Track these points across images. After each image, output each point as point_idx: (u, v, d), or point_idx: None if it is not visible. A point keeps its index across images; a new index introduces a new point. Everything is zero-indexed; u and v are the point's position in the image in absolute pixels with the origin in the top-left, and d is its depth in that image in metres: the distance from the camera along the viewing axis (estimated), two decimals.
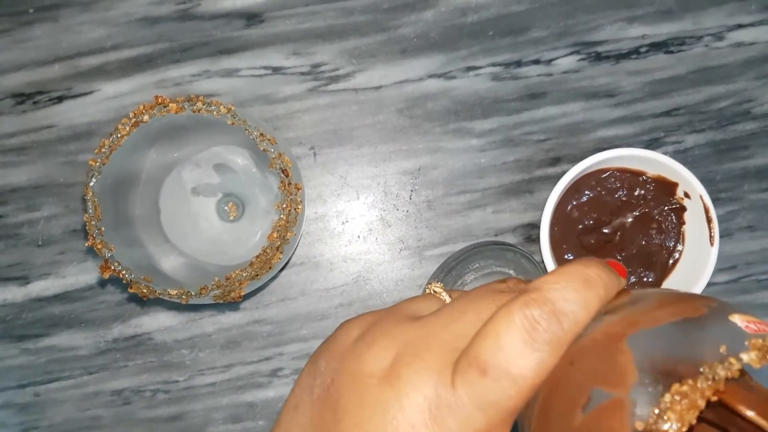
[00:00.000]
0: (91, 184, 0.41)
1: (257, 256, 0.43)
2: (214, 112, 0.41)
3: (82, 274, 0.54)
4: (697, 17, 0.54)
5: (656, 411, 0.17)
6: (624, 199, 0.51)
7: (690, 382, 0.17)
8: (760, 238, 0.54)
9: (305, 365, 0.25)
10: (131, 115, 0.41)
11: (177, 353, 0.54)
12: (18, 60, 0.54)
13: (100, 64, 0.54)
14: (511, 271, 0.49)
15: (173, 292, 0.42)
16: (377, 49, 0.54)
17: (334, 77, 0.54)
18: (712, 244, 0.48)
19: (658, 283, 0.51)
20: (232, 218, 0.50)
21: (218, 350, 0.54)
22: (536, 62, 0.54)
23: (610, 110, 0.54)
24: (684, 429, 0.17)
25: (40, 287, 0.54)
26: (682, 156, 0.54)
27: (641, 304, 0.21)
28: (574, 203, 0.51)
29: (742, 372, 0.18)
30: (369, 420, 0.21)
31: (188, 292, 0.42)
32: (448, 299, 0.27)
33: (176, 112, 0.41)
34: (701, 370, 0.18)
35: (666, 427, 0.17)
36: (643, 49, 0.54)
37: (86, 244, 0.41)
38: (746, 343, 0.18)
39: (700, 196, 0.48)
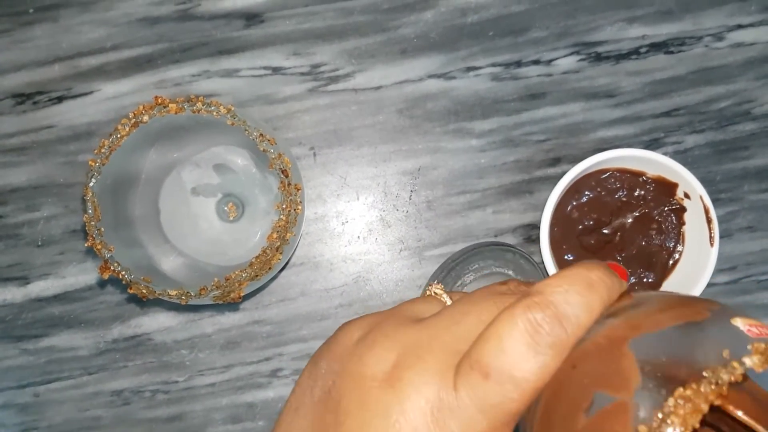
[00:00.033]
0: (91, 184, 0.41)
1: (257, 257, 0.43)
2: (214, 113, 0.41)
3: (81, 275, 0.54)
4: (697, 18, 0.54)
5: (660, 415, 0.17)
6: (624, 199, 0.51)
7: (693, 386, 0.17)
8: (760, 239, 0.54)
9: (305, 367, 0.25)
10: (131, 115, 0.41)
11: (176, 354, 0.54)
12: (18, 60, 0.54)
13: (100, 65, 0.54)
14: (511, 272, 0.49)
15: (173, 292, 0.42)
16: (377, 49, 0.54)
17: (334, 77, 0.54)
18: (712, 244, 0.48)
19: (658, 283, 0.51)
20: (231, 219, 0.50)
21: (218, 351, 0.54)
22: (536, 62, 0.54)
23: (610, 110, 0.54)
24: None
25: (39, 287, 0.54)
26: (682, 156, 0.54)
27: (643, 307, 0.21)
28: (574, 204, 0.51)
29: (745, 376, 0.18)
30: (370, 423, 0.21)
31: (188, 292, 0.42)
32: (448, 301, 0.27)
33: (176, 113, 0.41)
34: (704, 374, 0.18)
35: (669, 431, 0.17)
36: (643, 50, 0.54)
37: (86, 245, 0.41)
38: (749, 347, 0.18)
39: (700, 197, 0.48)
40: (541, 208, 0.51)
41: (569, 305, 0.21)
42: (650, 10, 0.54)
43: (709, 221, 0.48)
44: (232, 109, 0.42)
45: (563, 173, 0.48)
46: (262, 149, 0.42)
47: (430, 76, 0.54)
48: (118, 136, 0.41)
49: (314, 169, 0.54)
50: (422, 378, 0.21)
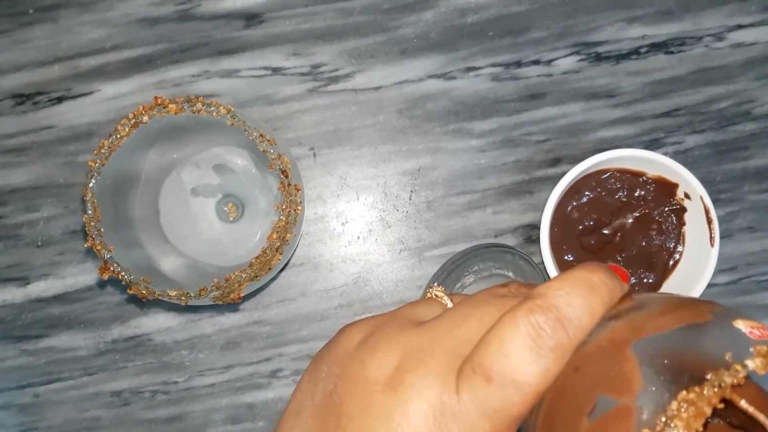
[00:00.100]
0: (91, 185, 0.41)
1: (257, 257, 0.43)
2: (214, 113, 0.41)
3: (81, 275, 0.54)
4: (697, 18, 0.54)
5: (663, 419, 0.17)
6: (624, 199, 0.51)
7: (696, 389, 0.17)
8: (761, 239, 0.54)
9: (306, 369, 0.25)
10: (131, 115, 0.41)
11: (176, 354, 0.54)
12: (18, 60, 0.54)
13: (100, 65, 0.54)
14: (510, 274, 0.49)
15: (172, 293, 0.42)
16: (377, 49, 0.54)
17: (334, 78, 0.54)
18: (712, 245, 0.48)
19: (658, 284, 0.51)
20: (231, 219, 0.50)
21: (218, 351, 0.54)
22: (536, 63, 0.54)
23: (610, 111, 0.54)
24: None
25: (39, 288, 0.54)
26: (682, 157, 0.54)
27: (645, 309, 0.21)
28: (574, 204, 0.50)
29: (747, 379, 0.18)
30: (372, 427, 0.21)
31: (188, 293, 0.42)
32: (449, 304, 0.27)
33: (176, 113, 0.41)
34: (707, 377, 0.18)
35: None
36: (643, 50, 0.54)
37: (86, 245, 0.41)
38: (751, 349, 0.18)
39: (701, 197, 0.48)
40: (541, 208, 0.51)
41: (571, 308, 0.21)
42: (650, 10, 0.54)
43: (709, 221, 0.48)
44: (232, 109, 0.42)
45: (563, 173, 0.48)
46: (261, 150, 0.42)
47: (430, 77, 0.54)
48: (118, 136, 0.41)
49: (314, 169, 0.54)
50: (424, 381, 0.21)
